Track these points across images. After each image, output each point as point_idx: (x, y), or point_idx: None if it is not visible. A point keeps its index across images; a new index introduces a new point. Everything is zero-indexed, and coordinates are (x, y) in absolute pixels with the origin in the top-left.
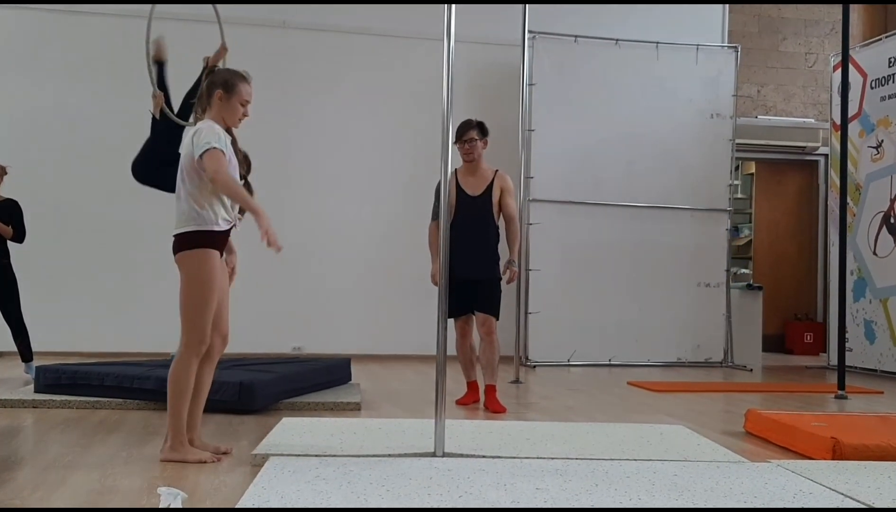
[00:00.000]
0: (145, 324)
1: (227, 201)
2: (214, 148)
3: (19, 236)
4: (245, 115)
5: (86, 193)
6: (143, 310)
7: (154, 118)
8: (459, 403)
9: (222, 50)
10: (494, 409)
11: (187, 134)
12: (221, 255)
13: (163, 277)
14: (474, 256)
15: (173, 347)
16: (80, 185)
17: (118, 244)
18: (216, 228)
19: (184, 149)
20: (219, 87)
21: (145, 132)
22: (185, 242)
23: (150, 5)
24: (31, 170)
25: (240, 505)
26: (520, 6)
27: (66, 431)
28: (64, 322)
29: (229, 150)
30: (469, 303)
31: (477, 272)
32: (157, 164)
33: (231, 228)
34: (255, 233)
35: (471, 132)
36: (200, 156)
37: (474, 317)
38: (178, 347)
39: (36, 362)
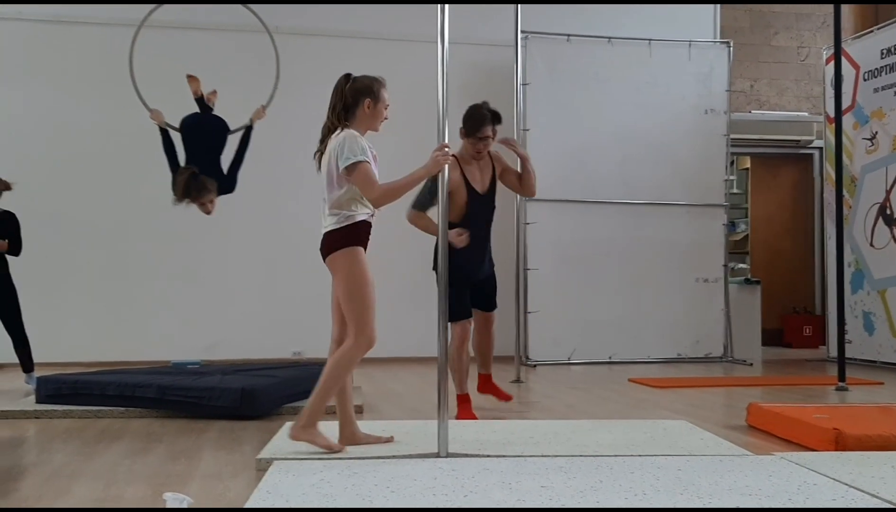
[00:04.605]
0: (145, 333)
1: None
2: (361, 161)
3: (15, 249)
4: (386, 117)
5: (83, 203)
6: (143, 319)
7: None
8: (462, 418)
9: (261, 110)
10: (503, 395)
11: (332, 141)
12: (365, 249)
13: (161, 285)
14: (484, 256)
15: (173, 355)
16: (78, 194)
17: (117, 254)
18: (363, 219)
19: (326, 157)
20: (366, 96)
21: (140, 141)
22: (335, 242)
23: (135, 25)
24: (28, 180)
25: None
26: (512, 6)
27: (68, 440)
28: (64, 332)
29: (370, 154)
30: (474, 302)
31: (486, 270)
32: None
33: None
34: (251, 238)
35: (486, 129)
36: (346, 168)
37: (482, 315)
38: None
39: (37, 373)
